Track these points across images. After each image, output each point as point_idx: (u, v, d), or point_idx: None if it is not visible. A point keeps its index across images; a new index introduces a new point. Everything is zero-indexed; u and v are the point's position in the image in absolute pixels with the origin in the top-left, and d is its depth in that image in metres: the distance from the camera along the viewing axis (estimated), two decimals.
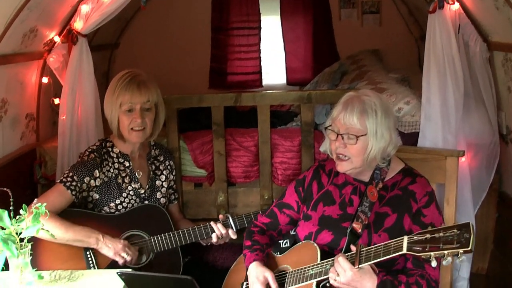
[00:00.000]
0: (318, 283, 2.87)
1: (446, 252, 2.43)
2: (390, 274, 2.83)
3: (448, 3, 3.77)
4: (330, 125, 3.08)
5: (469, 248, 2.39)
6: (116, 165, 3.67)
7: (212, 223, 3.61)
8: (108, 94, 3.64)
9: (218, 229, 3.59)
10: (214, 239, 3.61)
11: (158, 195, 3.79)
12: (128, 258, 3.36)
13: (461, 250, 2.40)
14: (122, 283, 2.77)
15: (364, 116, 2.94)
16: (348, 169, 3.07)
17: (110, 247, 3.34)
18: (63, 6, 4.18)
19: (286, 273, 3.08)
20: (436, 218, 2.96)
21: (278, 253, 3.29)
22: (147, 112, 3.63)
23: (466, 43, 3.93)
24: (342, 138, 2.99)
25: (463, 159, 3.70)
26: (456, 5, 3.81)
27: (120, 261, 3.35)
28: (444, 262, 2.46)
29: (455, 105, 3.83)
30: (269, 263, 3.20)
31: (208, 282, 3.04)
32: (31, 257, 2.74)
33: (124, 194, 3.64)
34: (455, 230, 2.47)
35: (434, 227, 2.62)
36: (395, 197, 3.04)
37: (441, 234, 2.50)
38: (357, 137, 2.95)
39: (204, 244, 3.76)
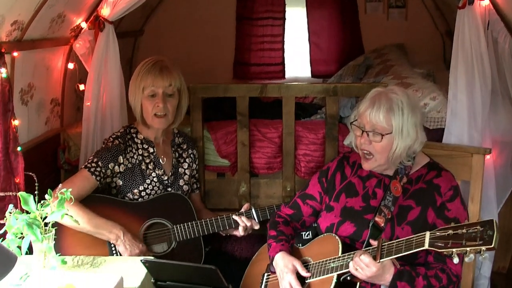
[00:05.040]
0: (339, 276, 2.87)
1: (468, 249, 2.42)
2: (410, 267, 2.82)
3: None
4: (356, 120, 3.07)
5: (492, 246, 2.37)
6: (140, 151, 3.68)
7: (234, 216, 3.62)
8: (133, 79, 3.67)
9: (243, 221, 3.59)
10: (241, 232, 3.62)
11: (181, 182, 3.80)
12: None
13: (483, 248, 2.39)
14: (145, 271, 2.78)
15: (390, 114, 2.93)
16: (373, 167, 3.08)
17: (127, 249, 3.35)
18: None
19: (308, 265, 3.08)
20: (460, 213, 2.95)
21: (300, 244, 3.29)
22: (170, 98, 3.64)
23: (495, 39, 3.89)
24: (368, 135, 2.99)
25: (488, 156, 3.68)
26: (486, 1, 3.77)
27: None
28: (466, 259, 2.45)
29: (482, 102, 3.80)
30: (291, 254, 3.21)
31: (227, 271, 3.03)
32: (54, 242, 2.76)
33: (148, 181, 3.65)
34: (478, 227, 2.45)
35: (458, 222, 2.62)
36: (419, 190, 3.04)
37: (464, 231, 2.48)
38: (382, 135, 2.94)
39: (224, 235, 3.77)
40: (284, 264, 3.06)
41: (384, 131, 2.94)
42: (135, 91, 3.63)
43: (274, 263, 3.13)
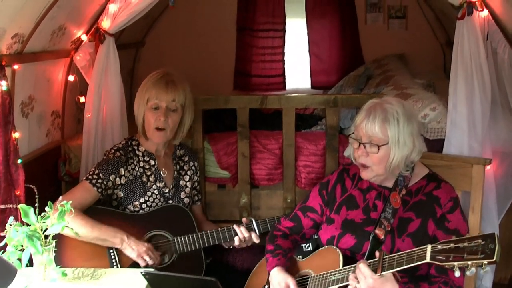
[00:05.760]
0: None
1: (470, 262, 2.40)
2: (413, 280, 2.82)
3: (477, 9, 3.73)
4: (353, 133, 3.08)
5: (493, 260, 2.36)
6: (142, 164, 3.68)
7: (235, 226, 3.62)
8: (139, 89, 3.70)
9: (241, 232, 3.59)
10: (236, 242, 3.61)
11: (182, 195, 3.80)
12: (150, 262, 3.37)
13: (485, 261, 2.37)
14: (145, 283, 2.78)
15: (385, 125, 2.93)
16: (371, 177, 3.07)
17: (134, 249, 3.35)
18: (91, 5, 4.21)
19: (308, 277, 3.07)
20: (460, 224, 2.94)
21: (301, 257, 3.28)
22: (172, 113, 3.65)
23: (494, 50, 3.89)
24: (364, 146, 2.99)
25: (488, 167, 3.68)
26: (485, 12, 3.78)
27: (142, 264, 3.36)
28: (468, 273, 2.42)
29: (482, 113, 3.80)
30: (291, 267, 3.21)
31: (228, 283, 3.03)
32: (55, 254, 2.76)
33: (149, 193, 3.65)
34: (479, 241, 2.44)
35: (458, 233, 2.61)
36: (419, 202, 3.03)
37: (465, 244, 2.47)
38: (378, 146, 2.94)
39: (226, 247, 3.76)
40: (277, 282, 3.06)
41: (380, 142, 2.94)
42: (140, 101, 3.65)
43: (269, 278, 3.13)
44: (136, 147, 3.73)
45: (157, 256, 3.43)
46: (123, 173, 3.58)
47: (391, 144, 2.92)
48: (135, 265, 3.37)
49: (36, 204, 2.73)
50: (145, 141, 3.74)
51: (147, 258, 3.35)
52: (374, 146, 2.95)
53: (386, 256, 2.73)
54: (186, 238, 3.55)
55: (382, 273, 2.67)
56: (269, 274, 3.15)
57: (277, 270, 3.10)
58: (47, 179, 4.34)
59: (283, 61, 7.60)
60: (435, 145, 4.11)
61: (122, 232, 3.37)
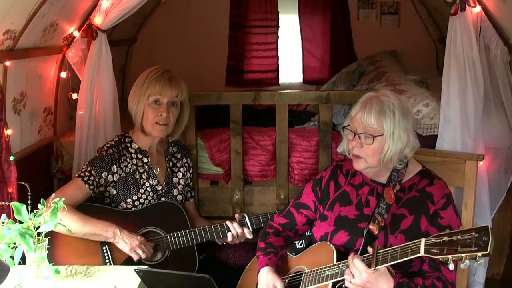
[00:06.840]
0: (334, 284, 2.86)
1: (464, 255, 2.42)
2: (406, 276, 2.82)
3: (470, 5, 3.74)
4: (348, 125, 3.08)
5: (487, 252, 2.37)
6: (134, 161, 3.67)
7: (228, 222, 3.62)
8: (136, 86, 3.66)
9: (234, 228, 3.59)
10: (229, 238, 3.61)
11: (175, 192, 3.79)
12: (143, 256, 3.36)
13: (479, 254, 2.38)
14: (138, 280, 2.77)
15: (381, 117, 2.94)
16: (364, 168, 3.07)
17: (127, 242, 3.34)
18: (83, 1, 4.19)
19: (302, 273, 3.07)
20: (453, 221, 2.95)
21: (294, 253, 3.28)
22: (173, 107, 3.65)
23: (487, 46, 3.90)
24: (359, 137, 2.99)
25: (481, 163, 3.68)
26: (478, 8, 3.78)
27: (135, 258, 3.35)
28: (462, 266, 2.44)
29: (475, 109, 3.80)
30: (284, 263, 3.21)
31: (221, 279, 3.02)
32: (47, 251, 2.75)
33: (141, 190, 3.64)
34: (473, 233, 2.45)
35: (451, 229, 2.61)
36: (412, 198, 3.03)
37: (459, 237, 2.48)
38: (373, 137, 2.95)
39: (220, 243, 3.76)
40: (265, 282, 3.05)
41: (376, 132, 2.94)
42: (139, 97, 3.62)
43: (258, 277, 3.12)
44: (129, 144, 3.71)
45: (149, 249, 3.42)
46: (115, 170, 3.57)
47: (386, 136, 2.93)
48: (128, 262, 3.36)
49: (29, 201, 2.72)
50: (138, 138, 3.73)
51: (140, 252, 3.35)
52: (369, 137, 2.95)
53: (380, 251, 2.73)
54: (179, 234, 3.54)
55: (376, 267, 2.67)
56: (258, 272, 3.14)
57: (266, 270, 3.10)
58: (39, 176, 4.33)
59: (276, 56, 7.64)
60: (428, 141, 4.11)
61: (114, 226, 3.36)
